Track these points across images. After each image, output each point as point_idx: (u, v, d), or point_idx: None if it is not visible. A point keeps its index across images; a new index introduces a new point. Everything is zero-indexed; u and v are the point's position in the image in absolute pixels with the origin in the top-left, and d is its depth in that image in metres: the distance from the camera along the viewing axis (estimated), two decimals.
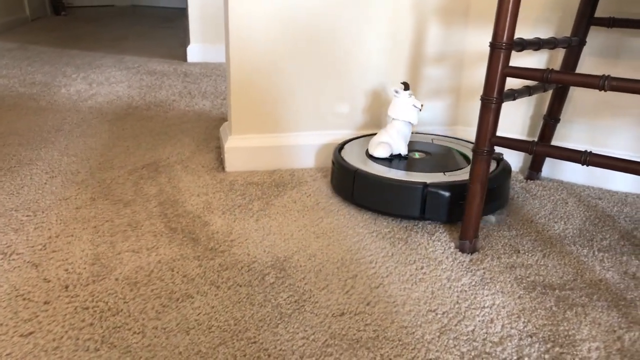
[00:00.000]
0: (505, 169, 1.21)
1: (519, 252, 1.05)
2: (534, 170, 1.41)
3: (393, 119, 1.28)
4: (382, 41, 1.42)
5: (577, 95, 1.39)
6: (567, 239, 1.10)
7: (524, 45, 0.99)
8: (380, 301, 0.88)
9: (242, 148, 1.39)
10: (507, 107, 1.48)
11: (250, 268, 0.96)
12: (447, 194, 1.12)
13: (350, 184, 1.20)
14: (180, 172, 1.37)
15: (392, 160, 1.27)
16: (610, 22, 1.22)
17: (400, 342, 0.79)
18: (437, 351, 0.77)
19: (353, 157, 1.27)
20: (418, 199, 1.13)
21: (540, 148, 0.94)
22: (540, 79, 0.93)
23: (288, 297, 0.88)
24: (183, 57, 2.95)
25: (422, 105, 1.28)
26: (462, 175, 1.18)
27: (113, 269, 0.94)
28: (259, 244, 1.04)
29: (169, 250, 1.00)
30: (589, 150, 0.90)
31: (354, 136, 1.44)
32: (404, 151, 1.29)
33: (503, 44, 0.94)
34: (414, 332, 0.81)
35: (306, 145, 1.43)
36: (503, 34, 0.94)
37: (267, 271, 0.95)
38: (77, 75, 2.40)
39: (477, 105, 1.52)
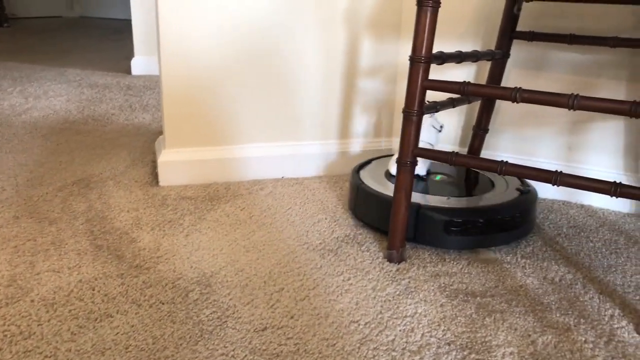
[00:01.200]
0: (526, 198, 1.15)
1: (444, 260, 1.07)
2: None
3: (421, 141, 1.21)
4: (317, 54, 1.44)
5: (504, 106, 1.44)
6: (492, 247, 1.13)
7: (444, 58, 1.02)
8: (304, 314, 0.88)
9: (176, 162, 1.38)
10: (439, 119, 1.51)
11: (175, 285, 0.95)
12: (440, 218, 1.07)
13: (353, 198, 1.22)
14: (112, 188, 1.35)
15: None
16: (530, 36, 1.26)
17: (320, 355, 0.79)
18: None
19: (369, 175, 1.25)
20: (411, 221, 1.09)
21: (459, 159, 0.97)
22: (458, 91, 0.96)
23: (211, 314, 0.87)
24: (127, 70, 2.91)
25: (441, 126, 1.24)
26: (474, 201, 1.14)
27: (29, 290, 0.91)
28: (186, 260, 1.03)
29: (92, 269, 0.98)
30: (505, 160, 0.93)
31: (376, 156, 1.42)
32: (422, 172, 1.25)
33: (422, 58, 0.96)
34: (334, 344, 0.81)
35: (242, 158, 1.43)
36: (422, 48, 0.96)
37: (192, 287, 0.94)
38: (13, 89, 2.33)
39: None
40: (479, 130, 1.39)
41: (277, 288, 0.95)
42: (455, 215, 1.08)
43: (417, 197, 1.13)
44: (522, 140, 1.43)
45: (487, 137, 1.45)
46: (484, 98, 1.30)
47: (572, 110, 0.85)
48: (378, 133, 1.57)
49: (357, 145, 1.54)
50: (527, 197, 1.16)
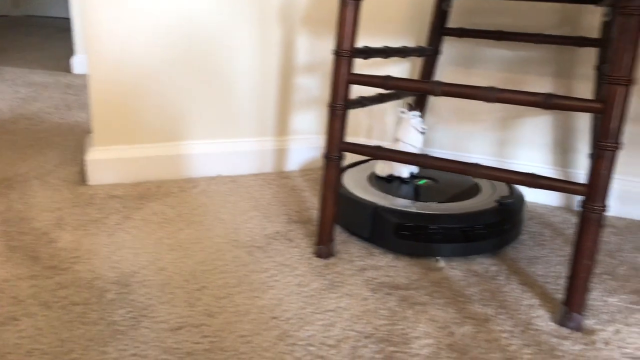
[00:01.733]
0: (498, 210, 1.08)
1: (372, 254, 1.06)
2: None
3: (396, 139, 1.21)
4: (253, 51, 1.42)
5: (438, 103, 1.45)
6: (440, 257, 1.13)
7: (369, 53, 1.02)
8: (224, 312, 0.86)
9: (105, 160, 1.33)
10: (375, 114, 1.52)
11: (91, 285, 0.91)
12: (392, 220, 1.04)
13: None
14: (37, 187, 1.29)
15: (391, 182, 1.20)
16: (460, 32, 1.28)
17: (235, 352, 0.77)
18: (271, 358, 0.76)
19: (352, 179, 1.21)
20: (368, 221, 1.08)
21: (382, 153, 0.97)
22: (381, 85, 0.95)
23: (126, 314, 0.84)
24: (68, 69, 2.82)
25: (424, 129, 1.20)
26: (440, 207, 1.09)
27: None
28: (106, 260, 0.99)
29: (2, 271, 0.93)
30: (426, 154, 0.94)
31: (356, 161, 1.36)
32: (404, 174, 1.21)
33: (345, 52, 0.96)
34: (251, 341, 0.80)
35: (176, 155, 1.40)
36: (344, 42, 0.96)
37: (109, 287, 0.91)
38: None
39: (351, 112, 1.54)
40: None
41: (198, 286, 0.93)
42: (407, 220, 1.04)
43: (383, 198, 1.11)
44: (456, 137, 1.45)
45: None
46: (411, 93, 1.30)
47: (494, 104, 0.86)
48: (316, 130, 1.56)
49: (295, 143, 1.53)
50: (500, 209, 1.08)
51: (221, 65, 1.40)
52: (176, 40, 1.35)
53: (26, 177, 1.36)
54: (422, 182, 1.19)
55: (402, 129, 1.20)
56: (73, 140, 1.67)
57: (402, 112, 1.21)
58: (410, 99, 1.38)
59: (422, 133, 1.20)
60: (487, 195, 1.16)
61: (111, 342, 0.78)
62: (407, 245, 1.06)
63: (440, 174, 1.27)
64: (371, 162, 1.33)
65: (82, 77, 2.64)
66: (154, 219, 1.17)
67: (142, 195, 1.29)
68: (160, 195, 1.29)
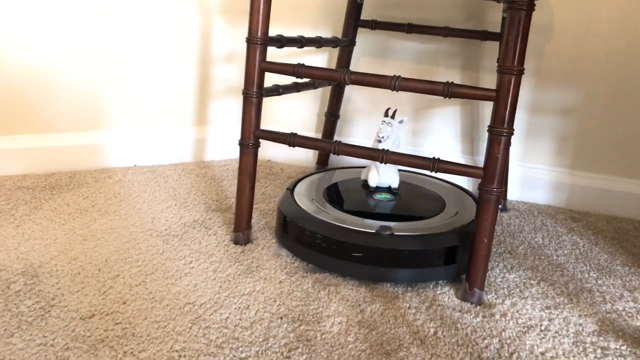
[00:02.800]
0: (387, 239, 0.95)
1: None
2: (320, 163, 1.48)
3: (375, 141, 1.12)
4: (171, 40, 1.40)
5: (355, 94, 1.49)
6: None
7: (282, 42, 1.04)
8: (137, 299, 0.86)
9: (12, 150, 1.28)
10: (296, 104, 1.54)
11: None
12: (303, 228, 0.97)
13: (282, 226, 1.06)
14: None
15: (364, 190, 1.13)
16: (373, 25, 1.32)
17: (149, 337, 0.77)
18: (184, 342, 0.77)
19: (304, 197, 1.10)
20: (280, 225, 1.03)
21: (297, 139, 0.99)
22: (292, 73, 0.98)
23: (33, 304, 0.82)
24: None
25: (382, 137, 1.08)
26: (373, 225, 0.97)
27: None
28: (12, 251, 0.96)
29: None
30: (338, 141, 0.97)
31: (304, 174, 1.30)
32: (370, 182, 1.14)
33: (258, 40, 0.97)
34: (165, 326, 0.80)
35: (90, 145, 1.36)
36: (257, 30, 0.97)
37: (16, 279, 0.88)
38: None
39: (269, 101, 1.56)
40: (331, 117, 1.43)
41: (111, 275, 0.92)
42: (301, 223, 0.98)
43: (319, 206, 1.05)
44: (372, 127, 1.50)
45: (342, 124, 1.51)
46: (327, 82, 1.34)
47: (407, 94, 0.90)
48: (236, 119, 1.56)
49: (215, 132, 1.53)
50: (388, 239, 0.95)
51: (138, 55, 1.38)
52: (88, 30, 1.31)
53: None
54: (381, 196, 1.12)
55: (383, 135, 1.11)
56: None
57: (384, 118, 1.11)
58: (407, 111, 1.41)
59: (379, 141, 1.09)
60: (444, 217, 1.05)
61: (17, 333, 0.76)
62: (307, 254, 0.98)
63: (410, 192, 1.16)
64: (307, 180, 1.20)
65: None
66: (66, 209, 1.14)
67: (54, 185, 1.25)
68: (73, 186, 1.26)
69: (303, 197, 1.09)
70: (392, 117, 1.11)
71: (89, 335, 0.77)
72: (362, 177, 1.20)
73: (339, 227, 0.96)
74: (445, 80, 1.39)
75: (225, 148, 1.55)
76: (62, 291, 0.86)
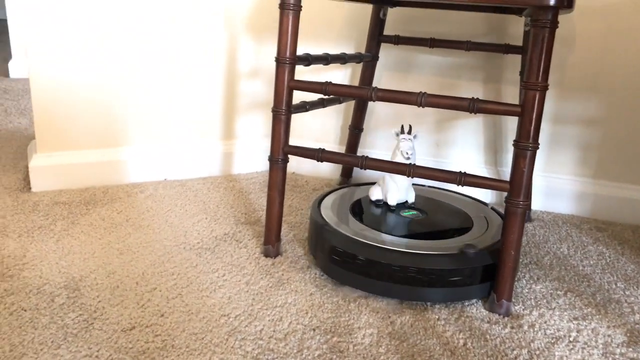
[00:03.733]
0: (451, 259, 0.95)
1: None
2: (344, 176, 1.51)
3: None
4: (199, 57, 1.44)
5: (378, 108, 1.52)
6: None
7: (309, 60, 1.07)
8: (175, 312, 0.89)
9: (49, 166, 1.33)
10: (320, 118, 1.57)
11: (40, 290, 0.92)
12: (329, 243, 0.98)
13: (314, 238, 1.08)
14: None
15: (378, 208, 1.14)
16: (396, 40, 1.35)
17: (188, 349, 0.80)
18: (222, 353, 0.80)
19: (332, 211, 1.12)
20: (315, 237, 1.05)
21: (325, 155, 1.02)
22: (320, 91, 1.01)
23: (77, 317, 0.86)
24: (5, 73, 2.74)
25: (409, 154, 1.09)
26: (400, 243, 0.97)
27: None
28: (54, 265, 1.00)
29: None
30: (365, 156, 1.00)
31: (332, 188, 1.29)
32: (390, 201, 1.13)
33: (286, 59, 1.01)
34: (203, 338, 0.83)
35: (122, 160, 1.41)
36: (286, 50, 1.00)
37: (59, 292, 0.92)
38: None
39: (293, 116, 1.59)
40: (355, 130, 1.46)
41: (149, 288, 0.95)
42: (340, 244, 0.99)
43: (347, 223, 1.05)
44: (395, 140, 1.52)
45: (366, 136, 1.53)
46: (350, 98, 1.37)
47: (421, 108, 0.92)
48: (262, 133, 1.60)
49: (241, 146, 1.56)
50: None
51: (166, 72, 1.42)
52: (119, 50, 1.36)
53: None
54: (408, 213, 1.11)
55: (393, 152, 1.13)
56: (13, 146, 1.64)
57: (397, 133, 1.12)
58: (430, 123, 1.44)
59: (407, 158, 1.10)
60: (470, 237, 1.04)
61: (63, 345, 0.79)
62: (337, 271, 0.99)
63: (432, 207, 1.17)
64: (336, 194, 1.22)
65: (21, 81, 2.57)
66: (102, 224, 1.18)
67: (88, 200, 1.29)
68: (107, 201, 1.30)
69: (332, 215, 1.10)
70: (409, 133, 1.12)
71: (131, 347, 0.80)
72: (373, 198, 1.15)
73: (382, 248, 0.96)
74: (467, 94, 1.41)
75: (251, 161, 1.58)
76: (102, 304, 0.90)
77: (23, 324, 0.83)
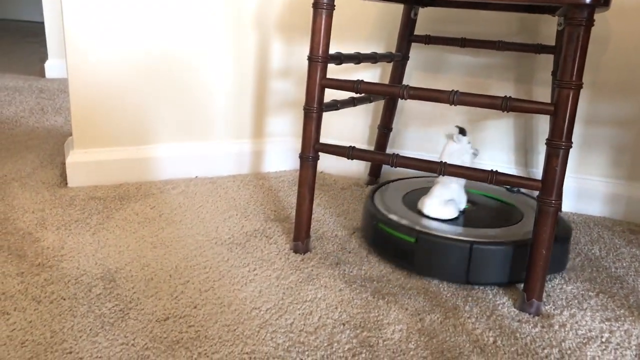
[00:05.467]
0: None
1: (346, 250, 1.12)
2: (372, 175, 1.52)
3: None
4: (228, 58, 1.47)
5: (407, 107, 1.52)
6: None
7: (341, 59, 1.08)
8: (207, 304, 0.91)
9: (85, 162, 1.37)
10: (349, 117, 1.58)
11: (78, 281, 0.95)
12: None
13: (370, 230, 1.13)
14: (17, 189, 1.32)
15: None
16: (427, 39, 1.35)
17: (220, 340, 0.82)
18: (253, 344, 0.81)
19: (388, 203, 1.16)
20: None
21: (355, 152, 1.03)
22: (352, 89, 1.02)
23: (113, 307, 0.88)
24: (41, 73, 2.82)
25: (476, 150, 1.12)
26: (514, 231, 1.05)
27: None
28: (91, 257, 1.03)
29: None
30: (396, 153, 1.00)
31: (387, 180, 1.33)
32: (464, 205, 1.15)
33: (319, 57, 1.02)
34: (235, 330, 0.85)
35: (155, 157, 1.44)
36: (318, 48, 1.01)
37: (95, 283, 0.95)
38: None
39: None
40: (383, 129, 1.46)
41: (182, 281, 0.97)
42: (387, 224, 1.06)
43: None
44: (425, 139, 1.52)
45: (395, 136, 1.54)
46: (382, 97, 1.37)
47: (459, 107, 0.93)
48: (292, 132, 1.61)
49: (271, 145, 1.58)
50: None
51: (197, 71, 1.45)
52: (152, 49, 1.39)
53: (5, 179, 1.38)
54: (466, 207, 1.16)
55: (456, 156, 1.10)
56: (50, 143, 1.69)
57: (453, 137, 1.11)
58: (460, 123, 1.42)
59: (475, 155, 1.12)
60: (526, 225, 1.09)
61: (101, 333, 0.82)
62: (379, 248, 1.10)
63: (486, 204, 1.21)
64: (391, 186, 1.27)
65: (56, 81, 2.64)
66: (135, 218, 1.21)
67: (122, 196, 1.33)
68: (140, 196, 1.33)
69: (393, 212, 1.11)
70: (464, 134, 1.11)
71: (165, 336, 0.82)
72: (426, 211, 1.11)
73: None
74: (498, 94, 1.41)
75: (280, 160, 1.60)
76: (137, 295, 0.92)
77: (62, 312, 0.86)
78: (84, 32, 1.31)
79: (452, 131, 1.13)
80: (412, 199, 1.19)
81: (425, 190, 1.18)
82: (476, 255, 0.99)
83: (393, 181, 1.30)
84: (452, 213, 1.10)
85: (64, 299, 0.89)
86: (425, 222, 1.08)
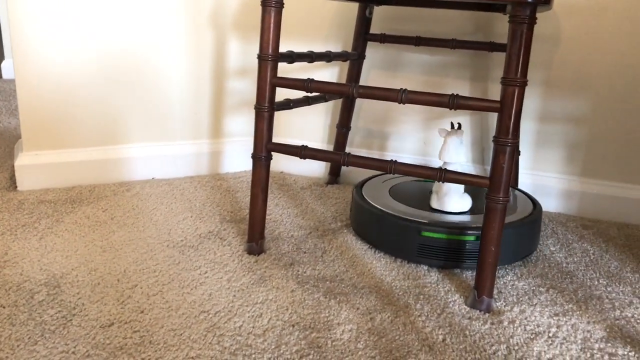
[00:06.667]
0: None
1: (300, 250, 1.12)
2: (332, 174, 1.51)
3: (450, 163, 1.13)
4: (185, 57, 1.44)
5: (366, 106, 1.52)
6: (350, 235, 1.19)
7: (293, 57, 1.07)
8: (154, 308, 0.89)
9: (35, 165, 1.33)
10: (309, 117, 1.57)
11: (20, 287, 0.92)
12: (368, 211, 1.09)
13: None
14: None
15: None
16: (382, 38, 1.35)
17: (165, 345, 0.80)
18: (199, 349, 0.80)
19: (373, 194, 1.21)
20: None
21: (307, 152, 1.02)
22: (302, 88, 1.01)
23: (56, 314, 0.86)
24: None
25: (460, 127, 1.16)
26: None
27: None
28: (36, 263, 1.00)
29: None
30: (348, 152, 1.00)
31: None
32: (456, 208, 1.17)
33: (269, 56, 1.01)
34: (181, 334, 0.83)
35: (109, 159, 1.40)
36: (268, 47, 1.00)
37: (39, 289, 0.92)
38: None
39: (281, 114, 1.59)
40: (342, 129, 1.46)
41: (130, 285, 0.95)
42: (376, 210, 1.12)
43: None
44: (384, 138, 1.52)
45: (354, 135, 1.53)
46: (334, 95, 1.37)
47: (416, 106, 0.93)
48: (249, 132, 1.60)
49: (229, 145, 1.57)
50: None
51: (153, 70, 1.42)
52: (105, 50, 1.36)
53: None
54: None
55: (454, 150, 1.13)
56: (1, 146, 1.64)
57: (448, 131, 1.14)
58: (416, 122, 1.44)
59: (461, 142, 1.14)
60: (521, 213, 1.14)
61: (40, 341, 0.79)
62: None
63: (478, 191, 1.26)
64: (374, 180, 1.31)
65: (12, 82, 2.57)
66: (86, 222, 1.18)
67: (74, 199, 1.29)
68: (92, 199, 1.30)
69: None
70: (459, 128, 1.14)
71: (108, 343, 0.80)
72: (466, 208, 1.15)
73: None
74: (454, 92, 1.42)
75: (239, 160, 1.58)
76: (82, 301, 0.90)
77: (1, 321, 0.83)
78: (32, 31, 1.27)
79: (446, 127, 1.17)
80: (410, 197, 1.22)
81: (408, 185, 1.25)
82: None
83: (370, 179, 1.32)
84: (470, 203, 1.16)
85: (4, 307, 0.86)
86: (450, 217, 1.12)
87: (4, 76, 2.68)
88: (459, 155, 1.12)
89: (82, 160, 1.38)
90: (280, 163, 1.60)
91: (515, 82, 0.84)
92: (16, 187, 1.33)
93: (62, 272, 0.98)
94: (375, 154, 1.53)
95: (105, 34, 1.34)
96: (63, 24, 1.30)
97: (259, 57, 1.01)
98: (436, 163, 1.48)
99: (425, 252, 1.07)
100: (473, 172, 1.45)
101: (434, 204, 1.16)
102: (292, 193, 1.44)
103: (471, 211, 1.16)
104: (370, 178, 1.31)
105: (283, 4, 0.99)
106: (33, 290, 0.91)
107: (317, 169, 1.57)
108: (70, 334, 0.81)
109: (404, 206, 1.15)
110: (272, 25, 0.99)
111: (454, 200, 1.14)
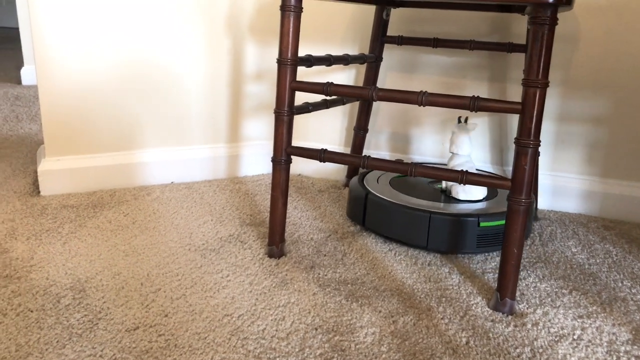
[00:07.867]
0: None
1: (321, 253, 1.12)
2: (349, 177, 1.51)
3: (462, 155, 1.20)
4: (203, 62, 1.46)
5: (383, 108, 1.52)
6: (369, 237, 1.20)
7: (311, 61, 1.08)
8: (178, 312, 0.90)
9: (57, 170, 1.35)
10: (326, 120, 1.58)
11: (47, 292, 0.93)
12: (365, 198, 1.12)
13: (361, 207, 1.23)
14: None
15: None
16: (399, 40, 1.35)
17: (190, 348, 0.81)
18: (224, 352, 0.80)
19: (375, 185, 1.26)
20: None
21: (327, 155, 1.02)
22: (321, 91, 1.01)
23: (82, 317, 0.87)
24: (17, 80, 2.78)
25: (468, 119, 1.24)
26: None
27: None
28: (61, 267, 1.01)
29: None
30: (367, 155, 1.00)
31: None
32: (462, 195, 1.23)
33: (288, 60, 1.01)
34: (205, 337, 0.84)
35: (129, 164, 1.42)
36: (287, 51, 1.01)
37: (65, 293, 0.93)
38: None
39: (299, 117, 1.60)
40: (359, 131, 1.46)
41: (153, 289, 0.96)
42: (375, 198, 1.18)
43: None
44: (401, 139, 1.52)
45: (370, 137, 1.53)
46: (353, 99, 1.37)
47: (434, 108, 0.93)
48: (267, 135, 1.60)
49: (247, 148, 1.57)
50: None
51: (171, 76, 1.44)
52: (126, 56, 1.37)
53: None
54: (439, 186, 1.29)
55: (465, 143, 1.20)
56: (24, 151, 1.67)
57: (459, 125, 1.21)
58: (434, 124, 1.44)
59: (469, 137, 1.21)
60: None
61: (68, 345, 0.80)
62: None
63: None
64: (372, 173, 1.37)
65: (32, 88, 2.61)
66: (108, 226, 1.19)
67: (96, 204, 1.31)
68: (114, 204, 1.31)
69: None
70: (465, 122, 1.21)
71: (134, 346, 0.81)
72: (465, 197, 1.20)
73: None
74: (472, 93, 1.41)
75: (257, 163, 1.59)
76: (107, 305, 0.91)
77: (29, 325, 0.84)
78: (53, 39, 1.29)
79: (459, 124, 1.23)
80: (419, 190, 1.26)
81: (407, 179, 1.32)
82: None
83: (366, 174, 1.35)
84: (485, 191, 1.21)
85: (31, 311, 0.88)
86: (481, 205, 1.18)
87: (24, 82, 2.71)
88: (465, 147, 1.19)
89: (102, 165, 1.39)
90: (298, 165, 1.61)
91: (536, 83, 0.84)
92: (39, 192, 1.35)
93: (87, 276, 0.99)
94: (393, 156, 1.53)
95: (124, 41, 1.36)
96: (83, 32, 1.32)
97: (279, 61, 1.02)
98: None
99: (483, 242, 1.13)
100: (492, 173, 1.45)
101: (461, 195, 1.20)
102: (310, 196, 1.45)
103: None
104: (367, 172, 1.36)
105: (302, 8, 1.00)
106: (59, 295, 0.93)
107: (334, 171, 1.58)
108: (97, 338, 0.82)
109: (415, 199, 1.20)
110: (291, 29, 1.00)
111: (469, 189, 1.20)
